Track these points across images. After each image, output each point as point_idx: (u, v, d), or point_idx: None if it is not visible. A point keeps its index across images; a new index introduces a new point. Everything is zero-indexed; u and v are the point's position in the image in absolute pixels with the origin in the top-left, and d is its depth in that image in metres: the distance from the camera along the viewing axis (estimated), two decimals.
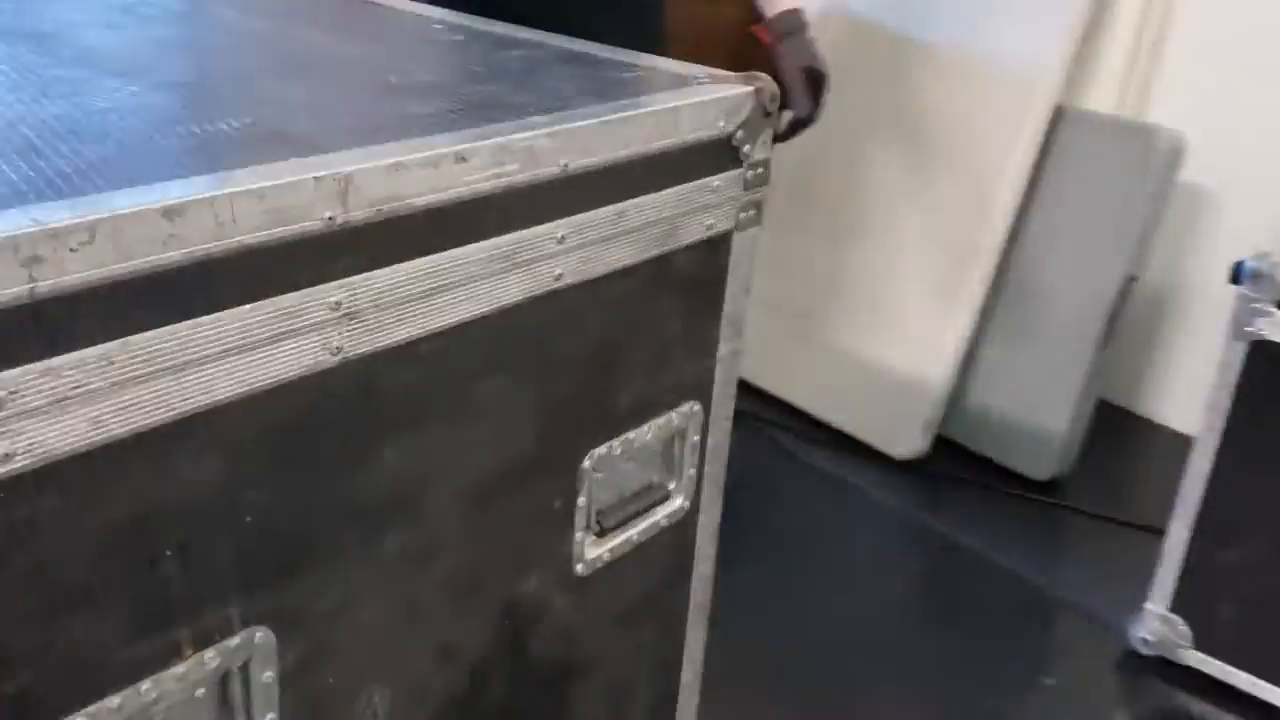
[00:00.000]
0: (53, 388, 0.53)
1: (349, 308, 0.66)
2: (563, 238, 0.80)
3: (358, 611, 0.75)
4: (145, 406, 0.58)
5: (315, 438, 0.68)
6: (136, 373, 0.57)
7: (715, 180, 0.92)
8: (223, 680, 0.69)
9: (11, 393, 0.52)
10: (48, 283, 0.52)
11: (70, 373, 0.54)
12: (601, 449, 0.91)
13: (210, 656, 0.67)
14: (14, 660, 0.56)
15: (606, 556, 0.96)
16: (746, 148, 0.93)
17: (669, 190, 0.87)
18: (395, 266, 0.68)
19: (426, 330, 0.72)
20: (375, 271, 0.67)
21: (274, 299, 0.62)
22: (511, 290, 0.77)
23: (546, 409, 0.84)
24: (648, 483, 1.00)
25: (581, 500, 0.91)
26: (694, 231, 0.92)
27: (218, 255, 0.58)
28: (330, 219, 0.64)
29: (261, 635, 0.69)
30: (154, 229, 0.55)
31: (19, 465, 0.53)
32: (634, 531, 0.99)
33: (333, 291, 0.65)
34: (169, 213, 0.56)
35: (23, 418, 0.52)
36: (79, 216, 0.53)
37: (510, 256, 0.76)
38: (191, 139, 0.69)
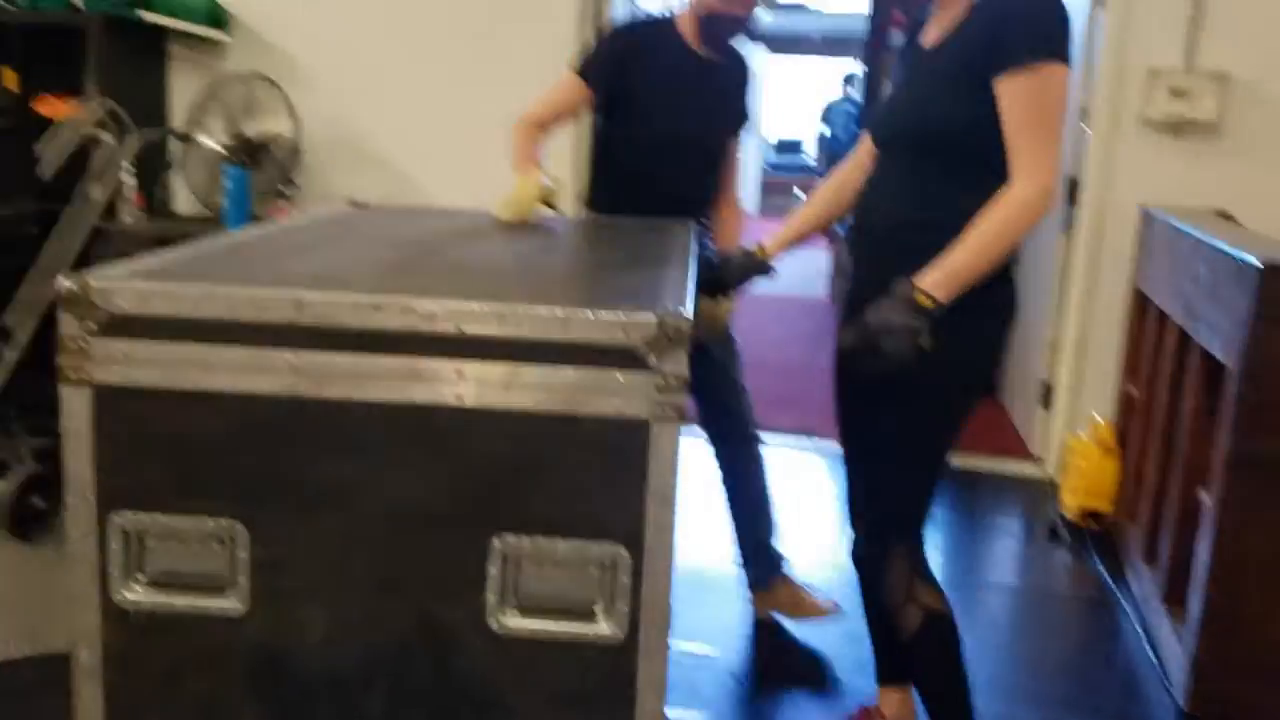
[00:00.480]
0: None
1: (303, 368, 1.31)
2: (459, 373, 1.31)
3: (303, 551, 1.35)
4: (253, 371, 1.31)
5: (272, 433, 1.32)
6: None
7: (619, 375, 1.30)
8: (220, 544, 1.36)
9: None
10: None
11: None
12: (513, 538, 1.34)
13: (211, 522, 1.35)
14: (118, 470, 1.34)
15: (524, 631, 1.35)
16: (652, 359, 1.29)
17: (564, 367, 1.29)
18: (338, 355, 1.30)
19: (353, 398, 1.31)
20: (326, 354, 1.30)
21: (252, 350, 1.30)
22: (417, 394, 1.31)
23: (455, 486, 1.33)
24: (582, 596, 1.36)
25: (493, 570, 1.34)
26: (603, 407, 1.30)
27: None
28: (293, 322, 1.30)
29: (239, 528, 1.35)
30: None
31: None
32: (558, 628, 1.35)
33: (288, 355, 1.31)
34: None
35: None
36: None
37: (416, 373, 1.31)
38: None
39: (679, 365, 1.28)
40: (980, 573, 3.21)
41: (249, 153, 4.00)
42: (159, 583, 1.37)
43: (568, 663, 1.34)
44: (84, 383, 1.31)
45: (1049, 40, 1.62)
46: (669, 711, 2.16)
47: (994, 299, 1.76)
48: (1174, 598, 2.67)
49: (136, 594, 1.37)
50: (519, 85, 3.54)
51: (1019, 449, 4.17)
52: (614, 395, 1.30)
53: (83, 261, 2.91)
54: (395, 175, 4.24)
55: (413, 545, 1.34)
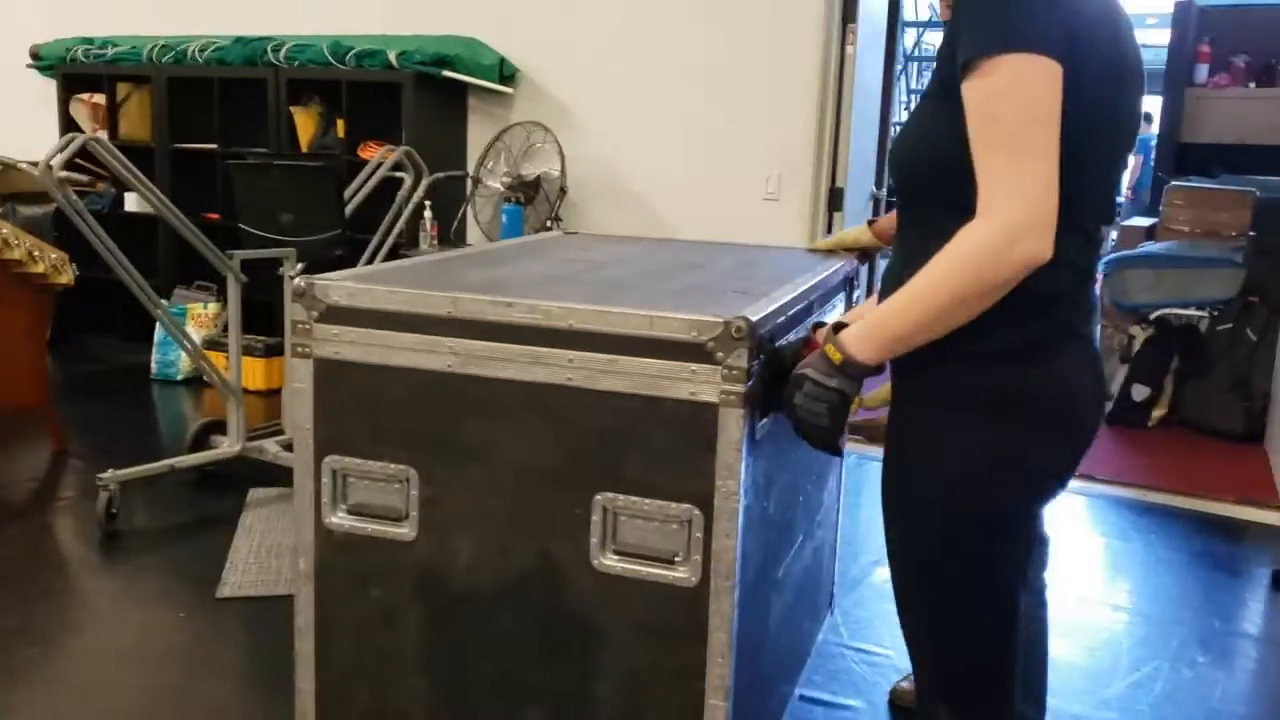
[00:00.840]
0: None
1: (458, 350, 1.72)
2: (570, 360, 1.67)
3: (459, 493, 1.75)
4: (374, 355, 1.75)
5: (436, 399, 1.73)
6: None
7: (693, 366, 1.61)
8: (399, 485, 1.78)
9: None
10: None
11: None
12: (610, 495, 1.68)
13: (393, 467, 1.78)
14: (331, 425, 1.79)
15: (618, 570, 1.69)
16: (719, 354, 1.60)
17: (650, 359, 1.63)
18: (481, 342, 1.70)
19: (493, 376, 1.71)
20: (473, 340, 1.70)
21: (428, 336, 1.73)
22: (538, 375, 1.68)
23: (567, 449, 1.69)
24: (666, 547, 1.68)
25: (595, 518, 1.69)
26: (679, 391, 1.63)
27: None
28: (449, 315, 1.71)
29: (412, 472, 1.77)
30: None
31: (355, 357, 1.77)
32: (646, 569, 1.68)
33: (447, 341, 1.72)
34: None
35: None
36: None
37: (538, 358, 1.68)
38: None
39: (740, 360, 1.57)
40: (1233, 621, 3.14)
41: (524, 190, 4.57)
42: (355, 511, 1.80)
43: (652, 599, 1.65)
44: (307, 356, 1.77)
45: (998, 26, 1.20)
46: (830, 696, 2.43)
47: (995, 388, 1.33)
48: None
49: (340, 519, 1.81)
50: (762, 129, 3.93)
51: (1270, 496, 4.03)
52: (688, 382, 1.61)
53: None
54: (648, 211, 4.69)
55: (535, 495, 1.70)
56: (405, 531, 1.77)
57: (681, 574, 1.64)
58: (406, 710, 1.82)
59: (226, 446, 3.73)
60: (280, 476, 3.74)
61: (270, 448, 3.75)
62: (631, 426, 1.63)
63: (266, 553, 3.27)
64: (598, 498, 1.67)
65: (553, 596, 1.70)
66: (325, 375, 1.77)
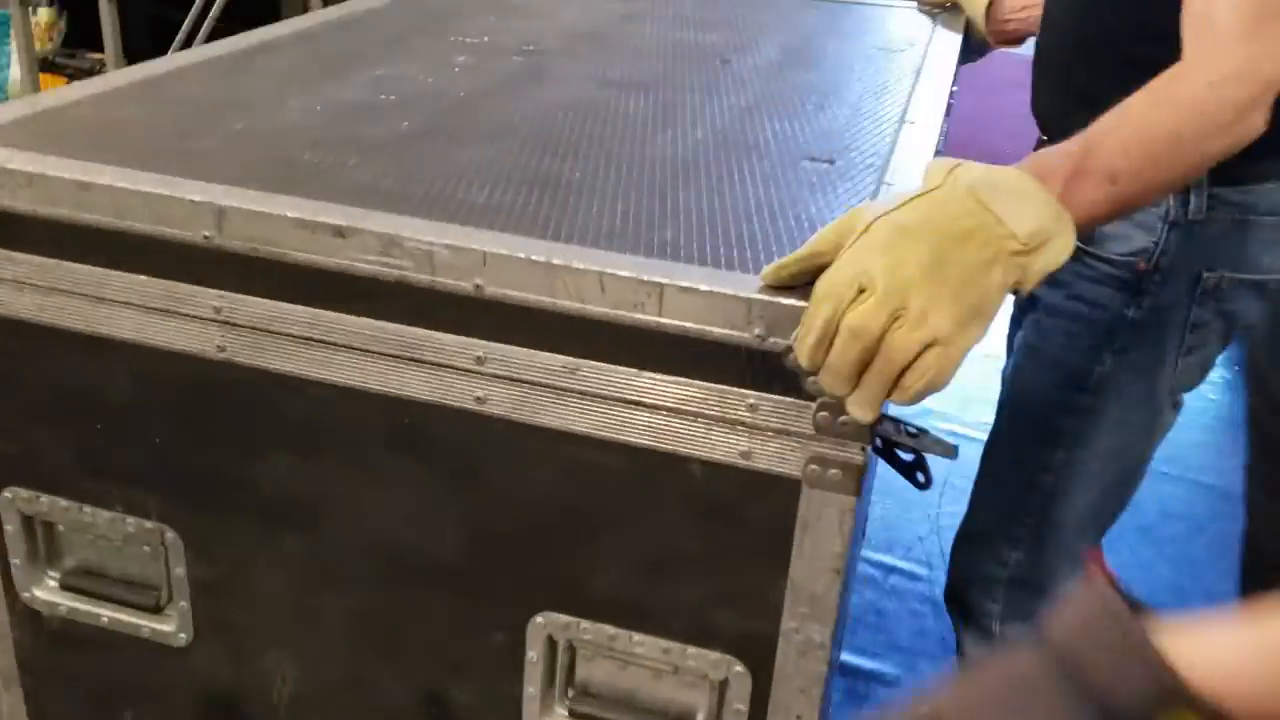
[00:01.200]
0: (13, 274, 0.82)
1: (227, 316, 0.79)
2: (480, 358, 0.76)
3: (262, 583, 0.88)
4: (77, 315, 0.82)
5: (208, 412, 0.83)
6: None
7: (751, 396, 0.72)
8: (152, 552, 0.91)
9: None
10: None
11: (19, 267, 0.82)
12: (561, 617, 0.82)
13: (132, 522, 0.89)
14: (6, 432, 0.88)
15: None
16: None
17: (661, 374, 0.73)
18: (271, 301, 0.78)
19: (316, 377, 0.80)
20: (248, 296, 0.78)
21: (166, 282, 0.79)
22: (414, 388, 0.78)
23: (475, 531, 0.81)
24: (675, 709, 0.84)
25: (532, 654, 0.84)
26: (717, 448, 0.74)
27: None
28: (210, 242, 0.78)
29: (172, 536, 0.89)
30: None
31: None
32: None
33: (213, 298, 0.79)
34: None
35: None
36: None
37: (409, 349, 0.77)
38: None
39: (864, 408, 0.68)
40: None
41: None
42: (73, 585, 0.94)
43: None
44: None
45: None
46: None
47: None
48: None
49: (49, 595, 0.95)
50: None
51: None
52: (737, 429, 0.72)
53: None
54: None
55: (417, 599, 0.84)
56: (169, 629, 0.91)
57: None
58: None
59: None
60: None
61: None
62: (608, 501, 0.76)
63: None
64: (539, 619, 0.81)
65: None
66: None
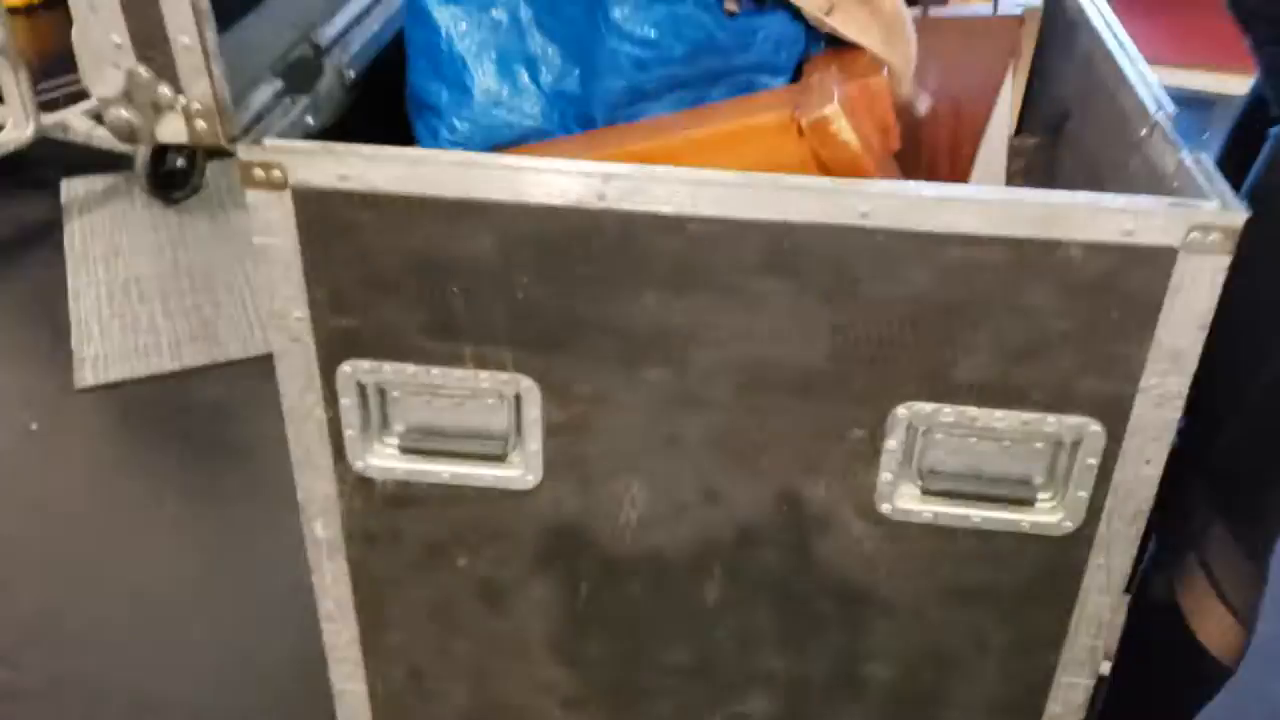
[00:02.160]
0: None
1: (612, 173, 0.82)
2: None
3: (617, 416, 0.93)
4: (448, 184, 0.84)
5: (577, 260, 0.86)
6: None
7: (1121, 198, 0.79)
8: (500, 403, 0.95)
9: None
10: None
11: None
12: (924, 406, 0.90)
13: (484, 377, 0.93)
14: (351, 306, 0.90)
15: (929, 517, 0.95)
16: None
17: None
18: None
19: (694, 212, 0.83)
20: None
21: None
22: (799, 210, 0.82)
23: (845, 337, 0.88)
24: (1014, 475, 0.94)
25: (891, 443, 0.92)
26: (1100, 230, 0.81)
27: None
28: None
29: (528, 384, 0.93)
30: None
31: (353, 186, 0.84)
32: (978, 514, 0.95)
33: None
34: None
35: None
36: None
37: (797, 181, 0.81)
38: None
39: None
40: None
41: None
42: (414, 446, 0.98)
43: (989, 553, 0.95)
44: (277, 185, 0.85)
45: None
46: None
47: None
48: None
49: (384, 461, 0.99)
50: None
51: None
52: (1118, 214, 0.80)
53: None
54: None
55: (774, 409, 0.92)
56: (515, 474, 0.97)
57: (1047, 517, 0.93)
58: (536, 708, 1.12)
59: (13, 129, 2.62)
60: (96, 157, 2.70)
61: (77, 122, 2.67)
62: (979, 295, 0.84)
63: (122, 293, 2.35)
64: (900, 410, 0.89)
65: (802, 560, 0.98)
66: (321, 219, 0.86)
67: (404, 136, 1.08)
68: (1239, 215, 0.79)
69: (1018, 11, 1.19)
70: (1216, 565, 1.04)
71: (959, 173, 1.25)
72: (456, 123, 1.00)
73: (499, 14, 0.99)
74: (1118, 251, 0.81)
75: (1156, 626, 1.07)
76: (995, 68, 1.20)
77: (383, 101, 1.07)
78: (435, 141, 1.01)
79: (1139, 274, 0.82)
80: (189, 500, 1.91)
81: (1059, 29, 1.23)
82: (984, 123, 1.25)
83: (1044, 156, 1.27)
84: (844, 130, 0.83)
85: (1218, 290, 0.82)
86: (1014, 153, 1.26)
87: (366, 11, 1.08)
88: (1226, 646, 1.07)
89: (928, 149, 1.26)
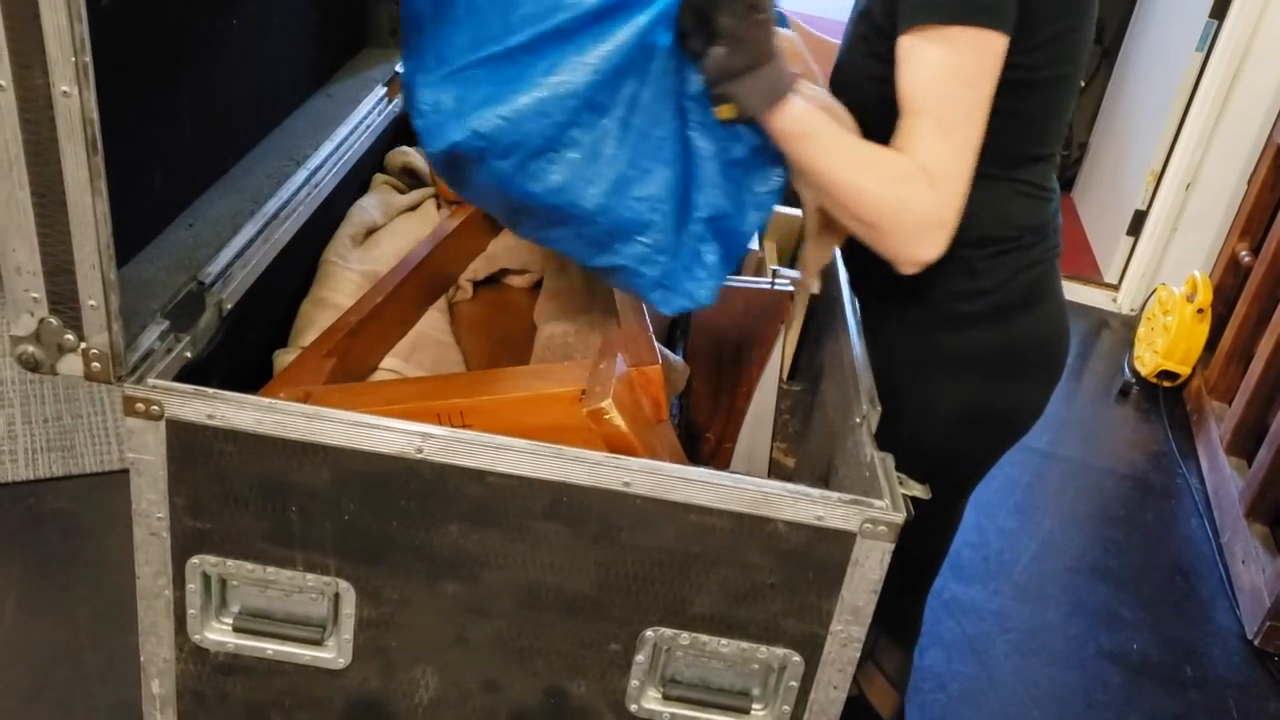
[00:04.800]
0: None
1: (429, 433, 1.04)
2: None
3: (418, 617, 1.14)
4: (297, 429, 1.04)
5: (398, 496, 1.08)
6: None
7: (814, 489, 1.04)
8: (322, 599, 1.14)
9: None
10: None
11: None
12: (667, 630, 1.13)
13: (311, 578, 1.13)
14: (205, 513, 1.09)
15: (668, 717, 1.17)
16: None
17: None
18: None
19: (494, 468, 1.06)
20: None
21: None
22: (577, 474, 1.05)
23: (607, 572, 1.10)
24: (737, 688, 1.17)
25: (640, 657, 1.14)
26: (800, 514, 1.06)
27: None
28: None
29: (345, 586, 1.13)
30: None
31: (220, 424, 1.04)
32: (707, 718, 1.17)
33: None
34: None
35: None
36: None
37: (577, 456, 1.05)
38: None
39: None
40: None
41: None
42: (245, 627, 1.16)
43: None
44: (153, 416, 1.04)
45: None
46: None
47: (1001, 343, 1.30)
48: (1262, 513, 2.53)
49: (220, 636, 1.17)
50: None
51: (1091, 271, 3.92)
52: (814, 503, 1.05)
53: None
54: None
55: (546, 624, 1.13)
56: (329, 656, 1.16)
57: None
58: None
59: None
60: None
61: None
62: (715, 548, 1.08)
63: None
64: (648, 633, 1.12)
65: None
66: (188, 446, 1.06)
67: (267, 357, 1.29)
68: (900, 516, 1.05)
69: (789, 286, 1.46)
70: (880, 655, 1.57)
71: (740, 409, 1.51)
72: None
73: None
74: (813, 530, 1.06)
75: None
76: (770, 329, 1.47)
77: (253, 327, 1.28)
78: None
79: (828, 548, 1.07)
80: (29, 613, 2.01)
81: (825, 301, 1.51)
82: (761, 370, 1.52)
83: (806, 399, 1.54)
84: (616, 418, 1.06)
85: (885, 565, 1.07)
86: (783, 395, 1.53)
87: (249, 244, 1.29)
88: (886, 705, 1.59)
89: (727, 384, 1.52)
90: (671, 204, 1.06)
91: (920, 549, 1.40)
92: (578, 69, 1.00)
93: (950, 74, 1.06)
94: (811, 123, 1.07)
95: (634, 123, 1.03)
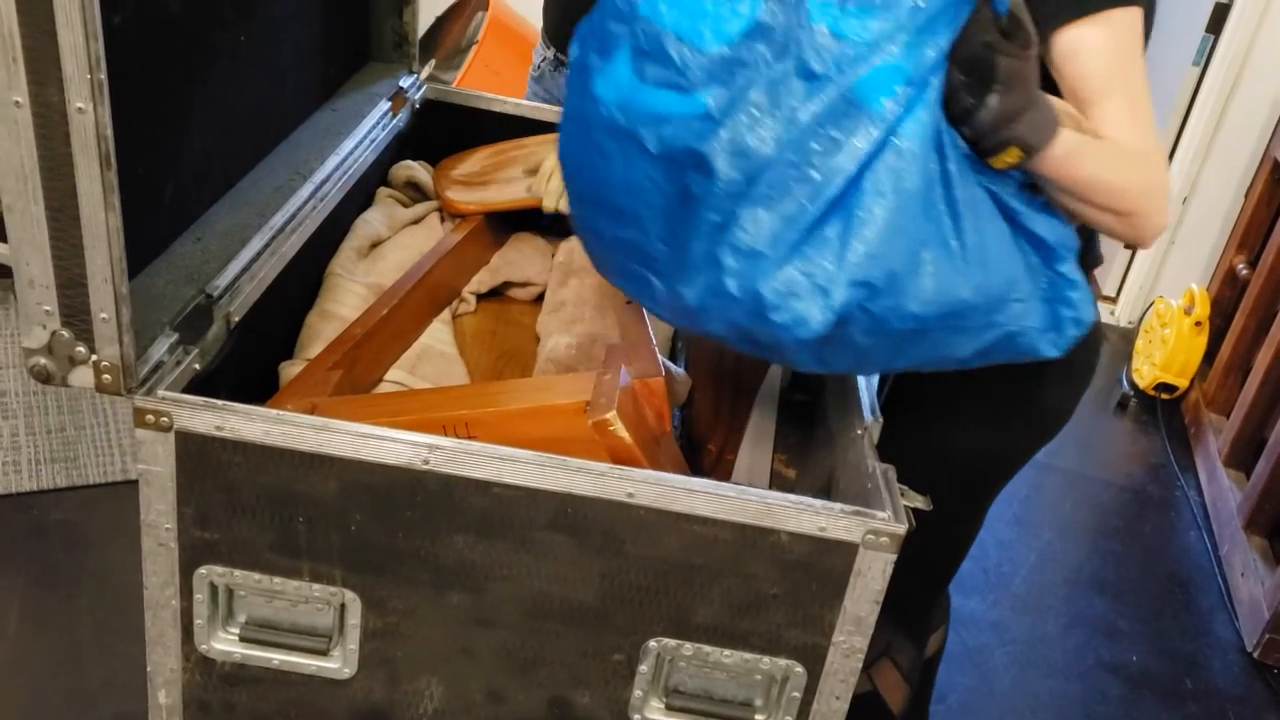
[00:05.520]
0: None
1: (436, 444, 1.05)
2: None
3: (423, 628, 1.15)
4: (305, 441, 1.05)
5: (404, 507, 1.09)
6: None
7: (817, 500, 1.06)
8: (327, 609, 1.15)
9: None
10: None
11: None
12: (670, 641, 1.14)
13: (318, 589, 1.14)
14: (212, 523, 1.10)
15: None
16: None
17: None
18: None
19: (499, 479, 1.07)
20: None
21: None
22: (582, 486, 1.07)
23: (611, 583, 1.11)
24: (740, 699, 1.18)
25: (643, 668, 1.15)
26: (802, 525, 1.07)
27: None
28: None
29: (351, 596, 1.14)
30: None
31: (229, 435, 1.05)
32: None
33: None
34: None
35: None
36: None
37: (581, 467, 1.06)
38: None
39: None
40: None
41: None
42: (252, 637, 1.17)
43: None
44: (163, 428, 1.05)
45: None
46: None
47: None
48: (1261, 525, 2.54)
49: (226, 646, 1.17)
50: None
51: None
52: (815, 514, 1.06)
53: None
54: None
55: (551, 635, 1.14)
56: (334, 666, 1.17)
57: None
58: None
59: None
60: None
61: None
62: (718, 559, 1.09)
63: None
64: (651, 644, 1.13)
65: None
66: (196, 457, 1.07)
67: (273, 369, 1.30)
68: (902, 527, 1.06)
69: None
70: (895, 650, 1.58)
71: (741, 421, 1.53)
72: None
73: None
74: (815, 541, 1.07)
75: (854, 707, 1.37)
76: None
77: (260, 339, 1.29)
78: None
79: (830, 559, 1.08)
80: (32, 624, 2.02)
81: None
82: (762, 381, 1.53)
83: (808, 411, 1.55)
84: (620, 430, 1.07)
85: (888, 575, 1.08)
86: (784, 406, 1.54)
87: (256, 257, 1.30)
88: (896, 699, 1.59)
89: (728, 396, 1.54)
90: (1017, 251, 1.05)
91: (944, 548, 1.48)
92: (897, 189, 0.98)
93: (1125, 53, 1.11)
94: (1076, 138, 1.07)
95: (958, 203, 1.01)
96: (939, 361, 1.08)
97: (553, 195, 1.51)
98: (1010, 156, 1.01)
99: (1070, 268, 1.09)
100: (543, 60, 2.04)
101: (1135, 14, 1.12)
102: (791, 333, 1.00)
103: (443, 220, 1.68)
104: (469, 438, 1.10)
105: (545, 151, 1.58)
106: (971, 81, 0.98)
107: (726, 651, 1.14)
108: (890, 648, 1.64)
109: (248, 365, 1.26)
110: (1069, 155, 1.05)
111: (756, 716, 1.18)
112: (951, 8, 0.96)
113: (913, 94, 0.96)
